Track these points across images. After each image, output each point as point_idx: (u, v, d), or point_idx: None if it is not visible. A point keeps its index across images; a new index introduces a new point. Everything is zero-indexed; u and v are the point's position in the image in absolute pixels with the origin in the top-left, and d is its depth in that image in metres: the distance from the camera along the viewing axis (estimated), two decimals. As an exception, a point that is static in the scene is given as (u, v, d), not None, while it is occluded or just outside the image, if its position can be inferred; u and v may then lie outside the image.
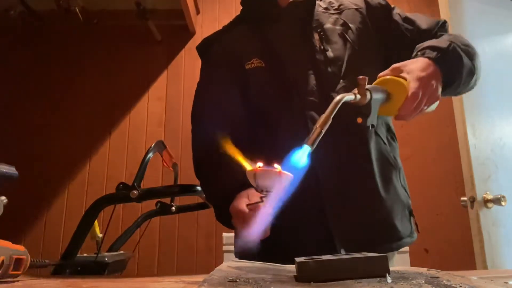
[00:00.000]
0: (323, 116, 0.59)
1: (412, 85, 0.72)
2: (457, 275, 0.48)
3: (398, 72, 0.75)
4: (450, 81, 0.80)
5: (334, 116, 0.67)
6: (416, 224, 1.00)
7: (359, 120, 0.69)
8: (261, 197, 0.58)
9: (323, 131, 0.57)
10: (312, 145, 0.56)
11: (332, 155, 0.89)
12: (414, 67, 0.75)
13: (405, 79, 0.74)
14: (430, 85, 0.73)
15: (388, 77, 0.75)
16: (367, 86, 0.67)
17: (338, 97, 0.61)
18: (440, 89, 0.76)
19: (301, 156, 0.55)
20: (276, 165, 0.55)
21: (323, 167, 0.88)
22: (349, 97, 0.63)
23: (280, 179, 0.54)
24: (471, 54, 0.84)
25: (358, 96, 0.65)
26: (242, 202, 0.75)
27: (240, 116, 0.97)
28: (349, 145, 0.90)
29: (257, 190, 0.57)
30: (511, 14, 2.00)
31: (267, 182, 0.55)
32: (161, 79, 2.86)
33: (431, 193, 2.57)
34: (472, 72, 0.84)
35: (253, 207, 0.71)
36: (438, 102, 0.86)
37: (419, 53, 0.80)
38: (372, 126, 0.77)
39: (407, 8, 2.89)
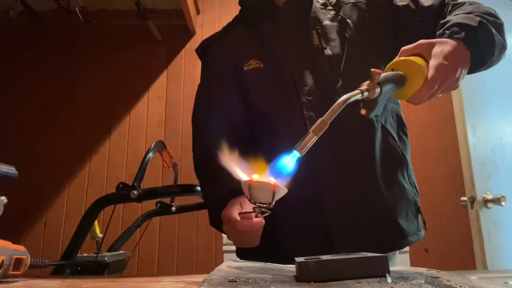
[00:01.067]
0: (320, 120, 0.55)
1: (431, 74, 0.65)
2: (457, 275, 0.48)
3: (423, 50, 0.69)
4: (482, 61, 0.74)
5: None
6: (424, 221, 0.97)
7: (363, 111, 0.65)
8: (254, 208, 0.58)
9: (317, 137, 0.54)
10: (302, 151, 0.54)
11: (332, 153, 0.88)
12: (440, 52, 0.68)
13: (427, 61, 0.68)
14: (452, 75, 0.68)
15: (409, 58, 0.68)
16: (380, 78, 0.61)
17: (342, 98, 0.56)
18: (463, 77, 0.70)
19: (289, 162, 0.54)
20: (271, 178, 0.54)
21: (322, 165, 0.87)
22: (355, 96, 0.58)
23: (274, 192, 0.54)
24: (499, 25, 0.77)
25: (366, 93, 0.59)
26: (234, 210, 0.76)
27: (240, 118, 0.97)
28: (351, 141, 0.89)
29: (250, 201, 0.57)
30: (511, 14, 2.00)
31: (261, 194, 0.55)
32: (161, 79, 2.86)
33: (431, 193, 2.57)
34: (504, 48, 0.78)
35: (245, 216, 0.71)
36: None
37: (446, 31, 0.72)
38: (376, 117, 0.74)
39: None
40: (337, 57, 0.92)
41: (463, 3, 0.84)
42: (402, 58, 0.69)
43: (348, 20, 0.96)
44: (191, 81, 2.78)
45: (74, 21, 2.69)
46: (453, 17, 0.76)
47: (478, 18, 0.73)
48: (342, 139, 0.88)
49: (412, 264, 2.09)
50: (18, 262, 0.57)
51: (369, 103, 0.64)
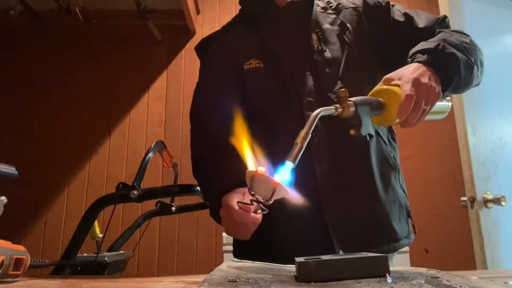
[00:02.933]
0: (303, 131, 0.59)
1: (405, 87, 0.70)
2: (457, 275, 0.48)
3: (390, 82, 0.74)
4: (449, 78, 0.78)
5: (334, 117, 0.67)
6: (413, 226, 0.99)
7: (352, 132, 0.69)
8: (251, 200, 0.58)
9: (304, 146, 0.58)
10: (294, 160, 0.56)
11: (332, 155, 0.88)
12: (405, 72, 0.74)
13: (398, 86, 0.73)
14: (424, 83, 0.72)
15: (387, 87, 0.74)
16: (353, 99, 0.67)
17: (315, 112, 0.61)
18: (438, 87, 0.75)
19: (285, 172, 0.55)
20: (276, 176, 0.55)
21: (322, 167, 0.87)
22: (327, 111, 0.64)
23: (275, 190, 0.54)
24: (466, 48, 0.82)
25: (340, 110, 0.65)
26: (234, 197, 0.75)
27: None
28: (349, 145, 0.90)
29: (249, 192, 0.57)
30: (511, 14, 2.00)
31: (261, 188, 0.55)
32: (161, 79, 2.86)
33: (431, 193, 2.57)
34: (469, 65, 0.81)
35: (243, 207, 0.71)
36: (448, 107, 0.84)
37: (409, 59, 0.80)
38: (370, 136, 0.76)
39: (407, 8, 2.89)
40: (336, 60, 0.94)
41: (441, 31, 0.89)
42: (380, 87, 0.75)
43: (347, 25, 0.98)
44: (191, 81, 2.78)
45: (74, 21, 2.69)
46: (418, 45, 0.82)
47: (437, 42, 0.80)
48: (341, 144, 0.89)
49: (412, 264, 2.09)
50: (18, 262, 0.57)
51: (353, 121, 0.68)
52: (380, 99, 0.72)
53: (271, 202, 0.55)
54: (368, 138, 0.82)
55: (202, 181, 0.97)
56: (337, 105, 0.65)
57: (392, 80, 0.74)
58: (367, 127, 0.69)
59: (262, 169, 0.55)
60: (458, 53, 0.79)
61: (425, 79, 0.73)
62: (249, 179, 0.56)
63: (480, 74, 0.87)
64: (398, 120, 0.72)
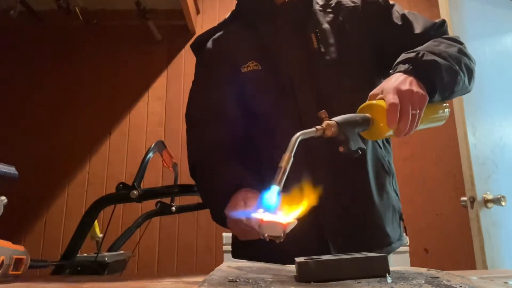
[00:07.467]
0: (285, 155, 0.59)
1: (387, 97, 0.70)
2: (457, 275, 0.48)
3: (375, 98, 0.74)
4: (431, 84, 0.76)
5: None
6: (405, 227, 0.99)
7: (341, 149, 0.68)
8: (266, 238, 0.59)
9: (288, 169, 0.58)
10: (279, 184, 0.57)
11: (328, 161, 0.88)
12: (387, 84, 0.73)
13: (382, 99, 0.72)
14: (405, 89, 0.71)
15: (363, 105, 0.74)
16: (335, 118, 0.66)
17: (294, 136, 0.61)
18: (422, 91, 0.73)
19: (272, 197, 0.56)
20: (280, 215, 0.56)
21: (318, 173, 0.87)
22: (307, 134, 0.63)
23: (285, 231, 0.55)
24: (450, 55, 0.80)
25: (321, 131, 0.65)
26: (237, 208, 0.75)
27: (236, 117, 0.96)
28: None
29: (262, 236, 0.58)
30: (511, 14, 2.00)
31: (272, 231, 0.56)
32: (161, 79, 2.86)
33: (431, 193, 2.57)
34: (452, 70, 0.79)
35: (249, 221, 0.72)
36: (444, 113, 0.83)
37: (391, 71, 0.79)
38: (362, 150, 0.78)
39: (407, 9, 2.89)
40: (335, 62, 0.92)
41: (435, 40, 0.88)
42: (364, 104, 0.74)
43: (346, 25, 0.96)
44: (191, 81, 2.77)
45: (74, 21, 2.69)
46: (400, 57, 0.81)
47: (416, 52, 0.79)
48: (337, 149, 0.88)
49: (412, 264, 2.09)
50: (18, 262, 0.57)
51: (339, 138, 0.67)
52: (367, 114, 0.72)
53: (283, 238, 0.56)
54: (359, 153, 0.82)
55: (200, 185, 0.96)
56: (318, 127, 0.64)
57: (377, 95, 0.74)
58: (356, 142, 0.69)
59: (266, 216, 0.57)
60: (439, 59, 0.78)
61: (406, 86, 0.72)
62: (257, 226, 0.57)
63: (468, 81, 0.85)
64: (391, 132, 0.71)
